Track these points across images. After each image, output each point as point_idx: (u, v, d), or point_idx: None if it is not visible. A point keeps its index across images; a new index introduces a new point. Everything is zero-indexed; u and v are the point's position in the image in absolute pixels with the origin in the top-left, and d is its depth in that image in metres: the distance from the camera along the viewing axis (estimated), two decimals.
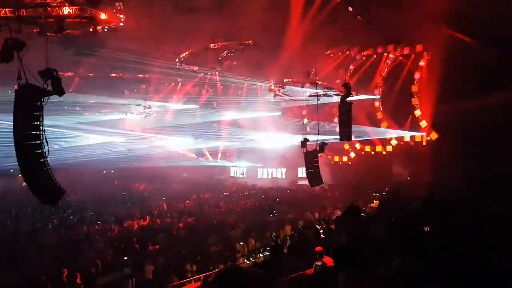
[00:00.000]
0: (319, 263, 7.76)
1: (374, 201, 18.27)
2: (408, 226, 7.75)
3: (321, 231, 12.54)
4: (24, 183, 9.48)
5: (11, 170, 24.47)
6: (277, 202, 21.28)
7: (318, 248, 7.96)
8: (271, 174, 32.81)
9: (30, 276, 10.34)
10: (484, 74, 19.19)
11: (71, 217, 18.45)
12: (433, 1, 18.99)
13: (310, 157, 15.34)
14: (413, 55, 26.58)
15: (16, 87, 7.71)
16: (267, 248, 11.91)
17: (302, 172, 31.37)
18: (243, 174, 33.59)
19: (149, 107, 30.03)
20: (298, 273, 8.17)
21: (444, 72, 21.65)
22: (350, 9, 22.97)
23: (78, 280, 10.30)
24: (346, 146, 29.37)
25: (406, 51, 26.77)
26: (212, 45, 26.28)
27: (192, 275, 10.73)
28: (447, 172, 20.35)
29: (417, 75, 26.12)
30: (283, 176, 32.09)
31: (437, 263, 5.54)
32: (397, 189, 19.87)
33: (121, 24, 16.07)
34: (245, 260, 11.38)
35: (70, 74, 26.40)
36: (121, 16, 15.86)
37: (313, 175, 15.31)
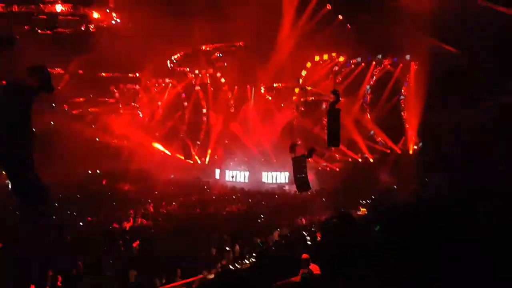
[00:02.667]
0: (305, 270, 7.74)
1: (361, 208, 18.38)
2: (397, 233, 7.77)
3: (308, 237, 12.56)
4: (7, 181, 9.29)
5: None
6: (263, 205, 21.25)
7: (304, 256, 7.96)
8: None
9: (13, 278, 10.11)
10: (471, 83, 19.47)
11: (53, 217, 18.10)
12: (422, 12, 19.27)
13: (299, 162, 15.33)
14: (401, 64, 26.89)
15: (3, 83, 7.54)
16: (253, 254, 11.87)
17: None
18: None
19: (138, 107, 29.82)
20: (284, 280, 8.14)
21: (431, 82, 21.97)
22: (340, 17, 23.25)
23: (59, 282, 10.15)
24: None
25: (394, 60, 27.06)
26: (203, 47, 26.31)
27: (177, 280, 10.62)
28: (433, 180, 20.56)
29: (405, 84, 26.43)
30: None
31: (427, 270, 5.57)
32: (384, 197, 19.99)
33: (113, 21, 15.97)
34: (231, 266, 11.31)
35: (59, 71, 26.11)
36: (114, 14, 15.77)
37: (301, 181, 15.30)
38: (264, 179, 31.47)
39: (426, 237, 6.58)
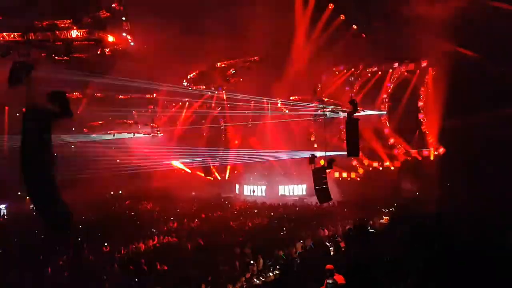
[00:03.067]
0: (330, 281, 7.64)
1: (384, 217, 18.08)
2: (421, 245, 7.62)
3: (331, 248, 12.41)
4: (31, 206, 9.50)
5: (19, 193, 24.53)
6: (284, 218, 21.14)
7: (328, 266, 7.86)
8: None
9: None
10: (489, 88, 19.15)
11: (79, 238, 18.33)
12: (437, 17, 19.12)
13: (319, 173, 15.24)
14: (418, 71, 26.64)
15: (24, 110, 7.75)
16: (277, 266, 11.78)
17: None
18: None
19: (157, 127, 30.26)
20: None
21: (450, 87, 21.68)
22: (354, 27, 23.22)
23: None
24: (354, 162, 29.25)
25: (411, 67, 26.85)
26: (218, 64, 26.61)
27: None
28: (456, 187, 20.14)
29: (422, 91, 26.13)
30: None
31: (449, 281, 5.43)
32: (407, 205, 19.64)
33: (131, 43, 16.33)
34: (255, 280, 11.23)
35: (78, 95, 26.75)
36: (129, 37, 16.11)
37: (322, 192, 15.18)
38: (281, 192, 31.52)
39: (447, 256, 6.45)
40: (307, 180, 28.79)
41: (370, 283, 6.19)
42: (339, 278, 7.62)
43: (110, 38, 14.66)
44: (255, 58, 26.51)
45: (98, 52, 14.96)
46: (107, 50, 15.20)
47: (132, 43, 16.68)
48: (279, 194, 31.24)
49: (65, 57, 14.19)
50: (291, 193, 31.56)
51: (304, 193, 30.67)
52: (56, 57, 13.96)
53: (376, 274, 6.33)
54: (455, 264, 5.92)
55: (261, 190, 32.46)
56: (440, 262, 6.25)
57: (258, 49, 25.81)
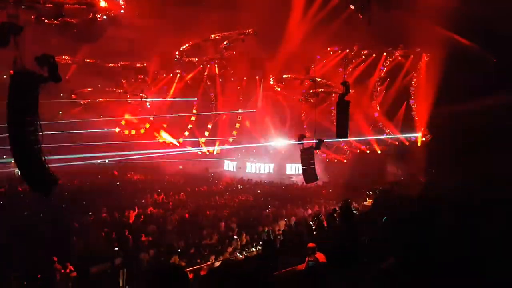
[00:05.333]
0: (311, 258, 7.76)
1: (368, 200, 18.34)
2: (402, 225, 7.74)
3: (314, 227, 12.58)
4: (16, 170, 9.40)
5: (4, 157, 24.22)
6: (270, 196, 21.35)
7: (310, 244, 7.97)
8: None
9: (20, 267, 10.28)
10: (482, 76, 19.22)
11: (63, 205, 18.28)
12: (433, 3, 18.98)
13: (306, 154, 15.28)
14: (412, 56, 26.59)
15: (11, 72, 7.56)
16: (260, 242, 11.93)
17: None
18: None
19: (146, 97, 29.87)
20: (290, 268, 8.17)
21: (442, 74, 21.69)
22: (352, 7, 22.89)
23: (68, 270, 10.33)
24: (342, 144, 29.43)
25: (405, 51, 26.78)
26: (212, 36, 26.16)
27: (184, 268, 10.69)
28: (441, 173, 20.43)
29: (415, 76, 26.16)
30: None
31: (430, 262, 5.55)
32: (391, 188, 19.92)
33: (121, 11, 15.88)
34: (238, 254, 11.38)
35: (67, 60, 26.18)
36: (121, 2, 15.65)
37: (309, 172, 15.27)
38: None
39: (429, 239, 6.57)
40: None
41: (351, 262, 6.29)
42: (321, 257, 7.74)
43: (102, 3, 14.20)
44: (249, 30, 26.07)
45: (89, 17, 14.50)
46: (98, 16, 14.73)
47: (121, 9, 16.15)
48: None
49: (55, 21, 13.70)
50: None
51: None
52: (46, 20, 13.45)
53: (358, 254, 6.44)
54: (437, 248, 6.04)
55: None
56: (421, 245, 6.37)
57: (252, 25, 25.46)
